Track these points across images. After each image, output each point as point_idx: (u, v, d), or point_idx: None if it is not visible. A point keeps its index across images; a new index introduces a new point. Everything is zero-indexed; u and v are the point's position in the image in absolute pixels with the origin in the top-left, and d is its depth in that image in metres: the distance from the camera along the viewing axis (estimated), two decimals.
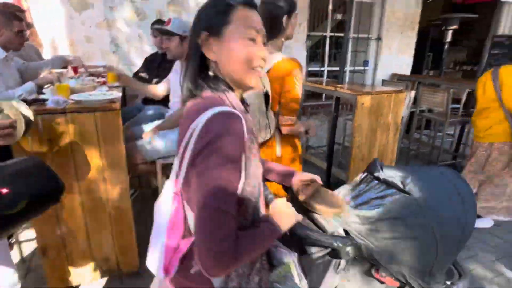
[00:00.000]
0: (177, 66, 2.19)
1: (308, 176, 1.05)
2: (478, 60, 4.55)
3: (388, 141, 2.87)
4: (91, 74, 2.44)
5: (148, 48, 3.26)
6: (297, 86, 1.47)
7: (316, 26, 4.72)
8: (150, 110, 2.61)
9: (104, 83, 2.24)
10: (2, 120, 1.03)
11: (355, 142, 2.69)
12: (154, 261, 0.82)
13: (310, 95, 4.41)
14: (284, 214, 0.84)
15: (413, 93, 3.35)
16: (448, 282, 0.99)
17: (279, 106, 1.52)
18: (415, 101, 3.72)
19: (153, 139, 1.98)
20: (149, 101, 2.70)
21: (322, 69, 4.44)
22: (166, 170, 2.08)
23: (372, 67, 4.71)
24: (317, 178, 1.05)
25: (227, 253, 0.66)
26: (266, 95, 1.40)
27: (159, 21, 2.80)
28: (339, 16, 4.80)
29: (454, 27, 4.31)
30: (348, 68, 4.48)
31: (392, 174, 1.01)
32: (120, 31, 3.16)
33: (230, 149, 0.68)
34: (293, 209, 0.87)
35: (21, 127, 1.11)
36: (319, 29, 4.55)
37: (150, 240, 0.87)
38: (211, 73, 0.80)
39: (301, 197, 1.01)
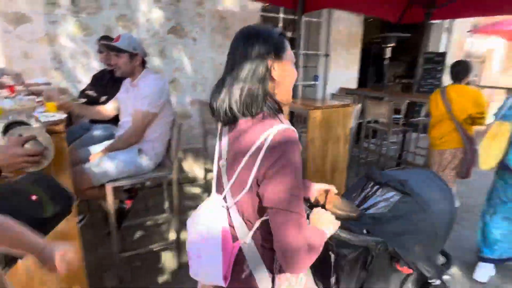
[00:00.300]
0: (127, 83, 2.12)
1: (324, 186, 1.16)
2: (414, 74, 5.04)
3: (339, 151, 3.03)
4: (32, 93, 2.25)
5: (97, 64, 3.10)
6: None
7: None
8: (98, 130, 2.46)
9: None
10: (34, 148, 1.06)
11: (310, 153, 2.79)
12: (209, 272, 0.88)
13: None
14: (326, 222, 0.95)
15: (359, 106, 3.59)
16: (440, 264, 1.16)
17: None
18: (362, 112, 3.99)
19: (102, 161, 1.87)
20: (96, 120, 2.55)
21: None
22: (118, 193, 1.96)
23: (322, 82, 4.97)
24: (333, 187, 1.15)
25: (308, 251, 0.78)
26: None
27: (106, 37, 2.69)
28: (289, 34, 5.02)
29: (392, 44, 4.74)
30: (300, 82, 4.67)
31: (391, 179, 1.16)
32: (64, 47, 2.98)
33: (298, 160, 0.81)
34: (333, 216, 0.98)
35: (51, 155, 1.14)
36: None
37: (192, 255, 0.93)
38: (272, 93, 0.89)
39: (328, 205, 1.11)
